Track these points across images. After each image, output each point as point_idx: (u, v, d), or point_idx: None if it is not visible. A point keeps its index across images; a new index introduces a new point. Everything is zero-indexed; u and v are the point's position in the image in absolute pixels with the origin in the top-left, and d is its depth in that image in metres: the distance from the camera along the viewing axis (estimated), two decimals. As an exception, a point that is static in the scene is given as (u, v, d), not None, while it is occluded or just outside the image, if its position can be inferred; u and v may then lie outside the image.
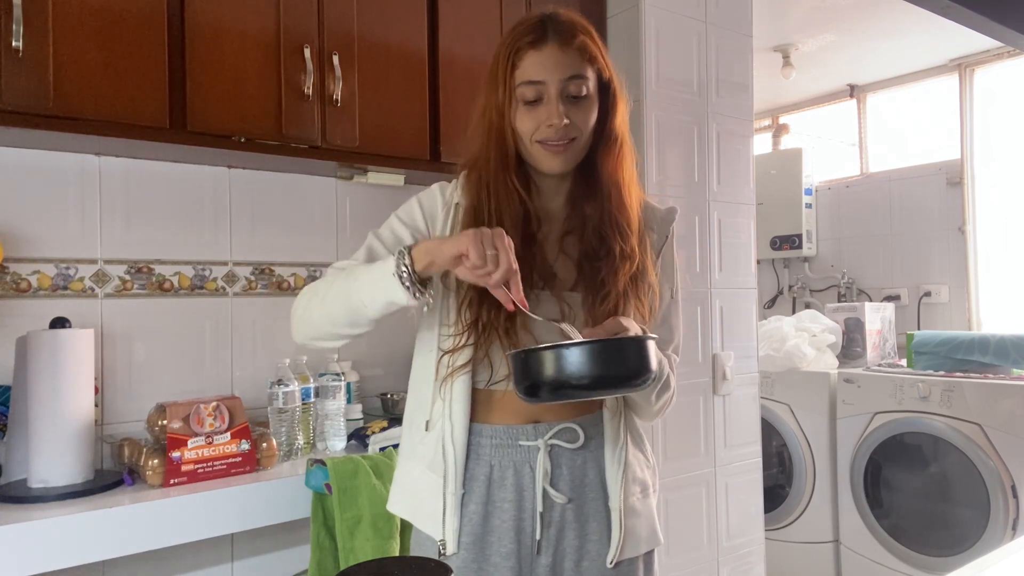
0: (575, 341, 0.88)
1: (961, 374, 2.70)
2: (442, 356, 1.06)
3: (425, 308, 1.02)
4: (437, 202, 1.14)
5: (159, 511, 1.23)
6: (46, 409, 1.26)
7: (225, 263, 1.72)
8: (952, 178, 3.44)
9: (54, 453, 1.26)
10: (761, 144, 4.19)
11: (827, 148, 4.02)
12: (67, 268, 1.51)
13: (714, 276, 2.14)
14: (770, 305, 4.08)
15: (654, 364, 0.90)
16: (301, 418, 1.56)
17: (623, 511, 1.07)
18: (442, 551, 1.04)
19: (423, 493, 1.08)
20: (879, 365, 3.11)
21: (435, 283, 1.03)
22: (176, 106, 1.39)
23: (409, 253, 0.96)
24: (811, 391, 3.05)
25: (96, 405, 1.40)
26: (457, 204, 1.11)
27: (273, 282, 1.78)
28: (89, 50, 1.29)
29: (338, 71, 1.55)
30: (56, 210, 1.50)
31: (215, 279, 1.70)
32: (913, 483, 2.78)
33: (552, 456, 1.05)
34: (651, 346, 0.90)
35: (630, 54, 2.02)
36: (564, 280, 1.09)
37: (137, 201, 1.60)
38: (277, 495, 1.37)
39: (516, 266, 0.91)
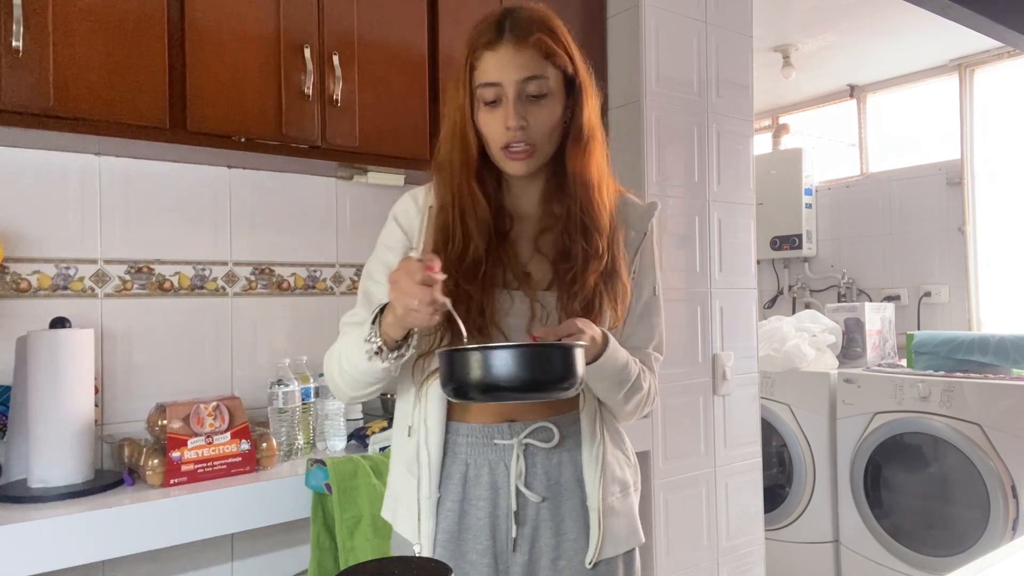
0: (497, 344, 0.89)
1: (961, 374, 2.70)
2: (417, 359, 1.05)
3: (415, 352, 1.02)
4: (411, 212, 1.13)
5: (159, 511, 1.23)
6: (46, 409, 1.26)
7: (225, 263, 1.71)
8: (952, 178, 3.44)
9: (54, 453, 1.26)
10: (761, 144, 4.19)
11: (827, 148, 4.02)
12: (67, 268, 1.51)
13: (714, 276, 2.14)
14: (770, 305, 4.08)
15: (580, 371, 0.90)
16: (301, 418, 1.56)
17: (602, 511, 1.06)
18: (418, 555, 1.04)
19: (401, 496, 1.09)
20: (879, 365, 3.11)
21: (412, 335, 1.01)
22: (176, 106, 1.39)
23: (379, 333, 0.97)
24: (811, 391, 3.04)
25: (96, 405, 1.40)
26: (431, 207, 1.10)
27: (273, 282, 1.78)
28: (89, 50, 1.29)
29: (338, 71, 1.55)
30: (56, 210, 1.50)
31: (215, 279, 1.70)
32: (913, 483, 2.77)
33: (527, 455, 1.05)
34: (579, 354, 0.90)
35: (630, 54, 2.02)
36: (539, 280, 1.08)
37: (137, 201, 1.60)
38: (277, 495, 1.37)
39: (434, 298, 0.89)
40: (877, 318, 3.21)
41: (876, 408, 2.84)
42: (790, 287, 4.03)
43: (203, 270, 1.68)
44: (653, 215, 1.17)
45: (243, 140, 1.47)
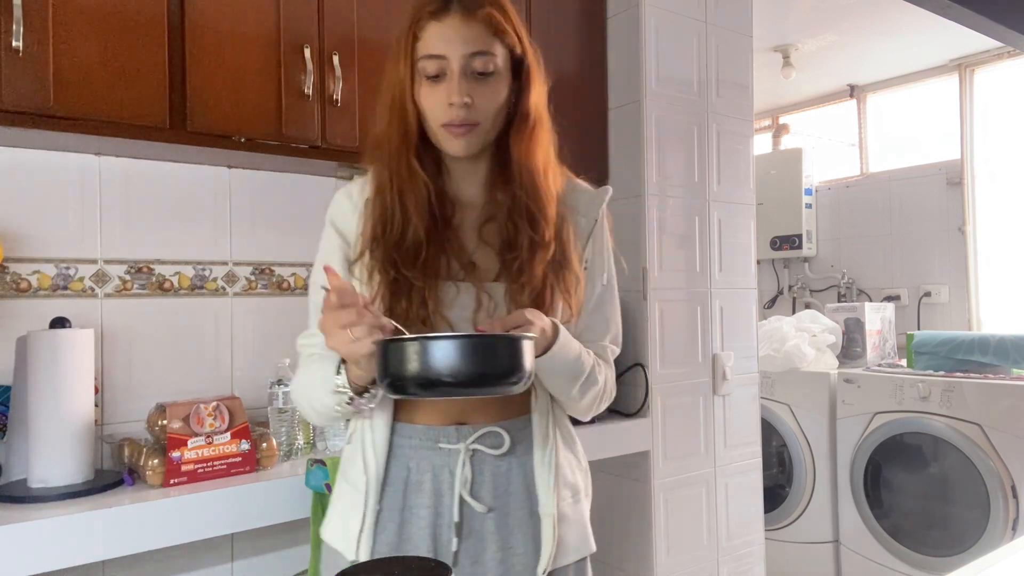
0: (438, 335, 0.82)
1: (961, 374, 2.70)
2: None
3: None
4: (346, 211, 1.06)
5: (159, 511, 1.23)
6: (46, 409, 1.26)
7: (225, 263, 1.71)
8: (952, 178, 3.44)
9: (54, 453, 1.26)
10: (761, 144, 4.19)
11: (827, 148, 4.02)
12: (67, 268, 1.51)
13: (714, 276, 2.14)
14: (770, 305, 4.08)
15: (528, 364, 0.84)
16: (301, 418, 1.56)
17: (556, 518, 1.00)
18: None
19: (341, 509, 1.04)
20: (879, 365, 3.11)
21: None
22: (176, 106, 1.38)
23: (347, 383, 0.92)
24: (811, 391, 3.05)
25: (96, 405, 1.40)
26: (368, 200, 1.04)
27: (273, 282, 1.78)
28: (89, 50, 1.29)
29: (338, 71, 1.55)
30: (56, 210, 1.50)
31: (215, 279, 1.70)
32: (913, 483, 2.78)
33: (474, 462, 0.99)
34: (526, 345, 0.84)
35: (630, 54, 2.02)
36: (486, 270, 1.02)
37: (137, 201, 1.60)
38: (277, 495, 1.37)
39: (359, 319, 0.84)
40: (877, 318, 3.21)
41: (876, 408, 2.84)
42: (790, 287, 4.03)
43: (203, 270, 1.68)
44: (604, 201, 1.11)
45: (243, 140, 1.47)
